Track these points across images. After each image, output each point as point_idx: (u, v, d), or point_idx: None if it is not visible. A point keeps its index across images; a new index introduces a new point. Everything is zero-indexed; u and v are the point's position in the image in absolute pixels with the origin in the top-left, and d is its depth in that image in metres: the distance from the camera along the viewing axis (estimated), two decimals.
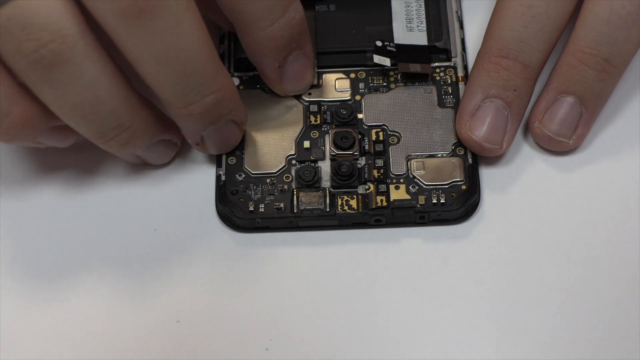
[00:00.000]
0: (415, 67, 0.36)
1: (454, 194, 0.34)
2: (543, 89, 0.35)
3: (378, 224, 0.34)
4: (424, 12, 0.37)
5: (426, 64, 0.36)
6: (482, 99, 0.34)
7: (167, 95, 0.31)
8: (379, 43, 0.36)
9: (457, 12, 0.38)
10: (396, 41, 0.37)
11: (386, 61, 0.36)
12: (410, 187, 0.34)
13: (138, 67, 0.30)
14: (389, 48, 0.36)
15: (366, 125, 0.35)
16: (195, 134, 0.33)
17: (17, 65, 0.30)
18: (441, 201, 0.34)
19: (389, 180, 0.34)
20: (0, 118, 0.31)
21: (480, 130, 0.34)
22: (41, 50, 0.29)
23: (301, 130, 0.35)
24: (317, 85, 0.36)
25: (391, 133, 0.35)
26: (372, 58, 0.36)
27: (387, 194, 0.34)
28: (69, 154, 0.36)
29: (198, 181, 0.35)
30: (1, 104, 0.31)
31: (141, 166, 0.35)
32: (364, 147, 0.35)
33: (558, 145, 0.35)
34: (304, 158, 0.35)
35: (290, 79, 0.35)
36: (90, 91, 0.30)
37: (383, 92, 0.36)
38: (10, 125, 0.31)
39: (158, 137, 0.34)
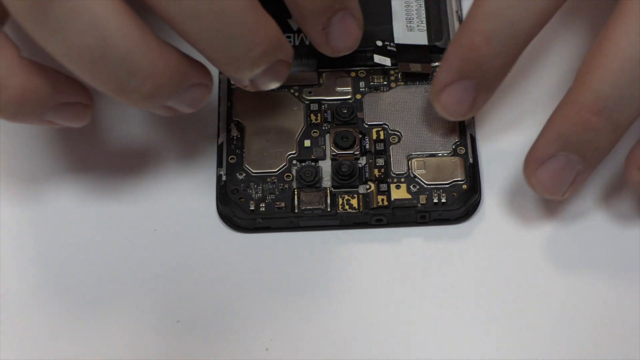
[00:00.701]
0: (415, 67, 0.36)
1: (455, 194, 0.34)
2: None
3: (379, 223, 0.34)
4: (424, 11, 0.37)
5: (426, 63, 0.36)
6: (557, 150, 0.31)
7: (210, 53, 0.30)
8: (379, 43, 0.36)
9: (457, 11, 0.37)
10: (396, 41, 0.36)
11: (386, 61, 0.36)
12: (411, 186, 0.34)
13: (174, 26, 0.29)
14: (389, 48, 0.36)
15: (367, 124, 0.35)
16: (244, 80, 0.31)
17: (14, 11, 0.28)
18: (442, 201, 0.34)
19: (389, 180, 0.34)
20: None
21: (546, 181, 0.32)
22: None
23: (302, 130, 0.35)
24: (318, 84, 0.36)
25: (392, 132, 0.35)
26: (372, 57, 0.36)
27: (388, 193, 0.34)
28: (69, 154, 0.36)
29: (198, 181, 0.35)
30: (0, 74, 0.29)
31: (141, 164, 0.35)
32: (364, 146, 0.35)
33: None
34: (305, 157, 0.35)
35: (336, 40, 0.33)
36: (96, 31, 0.28)
37: (384, 91, 0.36)
38: (10, 100, 0.29)
39: (187, 82, 0.31)
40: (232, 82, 0.32)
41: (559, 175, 0.32)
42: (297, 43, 0.37)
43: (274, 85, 0.32)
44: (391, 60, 0.36)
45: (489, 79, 0.32)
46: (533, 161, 0.32)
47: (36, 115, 0.30)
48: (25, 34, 0.29)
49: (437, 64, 0.36)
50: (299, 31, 0.37)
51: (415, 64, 0.36)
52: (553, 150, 0.31)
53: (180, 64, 0.30)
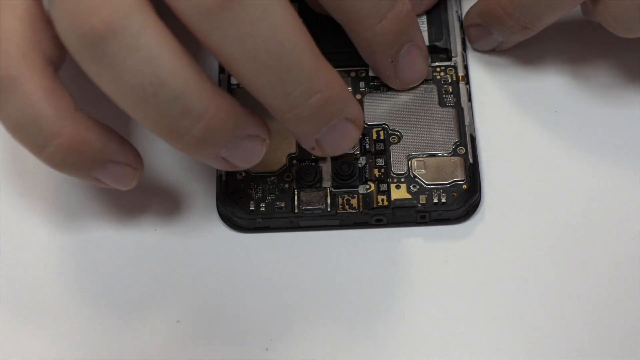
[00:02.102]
0: None
1: (455, 194, 0.34)
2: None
3: (379, 223, 0.34)
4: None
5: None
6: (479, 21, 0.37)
7: (268, 98, 0.29)
8: None
9: (457, 11, 0.37)
10: None
11: None
12: (411, 186, 0.34)
13: (230, 68, 0.28)
14: None
15: (367, 124, 0.35)
16: (308, 138, 0.30)
17: (72, 48, 0.28)
18: (442, 201, 0.34)
19: (389, 180, 0.34)
20: (50, 137, 0.29)
21: (472, 39, 0.37)
22: (91, 19, 0.27)
23: None
24: None
25: (392, 132, 0.35)
26: None
27: (388, 193, 0.34)
28: None
29: (198, 181, 0.35)
30: (53, 121, 0.29)
31: None
32: (364, 146, 0.35)
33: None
34: (305, 157, 0.35)
35: (404, 72, 0.35)
36: (150, 68, 0.27)
37: (383, 91, 0.36)
38: (59, 148, 0.29)
39: (241, 130, 0.29)
40: (300, 143, 0.31)
41: (482, 38, 0.37)
42: None
43: (342, 150, 0.31)
44: None
45: (511, 38, 0.36)
46: (465, 20, 0.37)
47: (83, 169, 0.30)
48: (82, 88, 0.29)
49: (437, 64, 0.36)
50: None
51: None
52: (477, 21, 0.36)
53: (235, 110, 0.29)
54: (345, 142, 0.31)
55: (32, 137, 0.29)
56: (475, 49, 0.37)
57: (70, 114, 0.29)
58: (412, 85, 0.36)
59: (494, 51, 0.37)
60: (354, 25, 0.32)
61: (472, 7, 0.37)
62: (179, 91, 0.28)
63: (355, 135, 0.31)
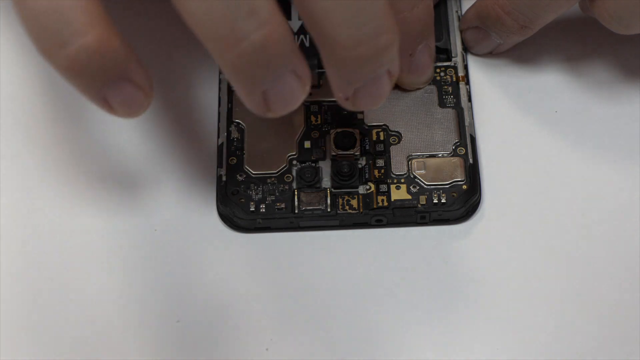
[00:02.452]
0: None
1: (455, 194, 0.34)
2: None
3: (379, 224, 0.34)
4: None
5: None
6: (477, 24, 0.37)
7: (335, 28, 0.27)
8: None
9: (457, 11, 0.38)
10: None
11: None
12: (411, 187, 0.34)
13: (315, 10, 0.26)
14: None
15: (367, 125, 0.35)
16: (350, 86, 0.29)
17: None
18: (442, 201, 0.34)
19: (389, 180, 0.34)
20: (76, 34, 0.26)
21: (469, 42, 0.37)
22: None
23: (302, 131, 0.35)
24: (318, 86, 0.36)
25: (392, 133, 0.35)
26: None
27: (388, 194, 0.34)
28: (69, 154, 0.36)
29: (198, 181, 0.35)
30: (83, 17, 0.26)
31: (141, 164, 0.35)
32: (364, 147, 0.35)
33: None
34: (305, 158, 0.35)
35: (416, 71, 0.35)
36: None
37: None
38: (85, 47, 0.26)
39: (292, 61, 0.27)
40: (335, 96, 0.29)
41: (480, 41, 0.37)
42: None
43: (372, 105, 0.30)
44: None
45: (509, 39, 0.36)
46: (461, 23, 0.37)
47: (98, 82, 0.27)
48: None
49: (437, 64, 0.36)
50: (299, 33, 0.37)
51: None
52: (475, 23, 0.36)
53: (291, 35, 0.27)
54: (381, 95, 0.29)
55: (55, 31, 0.26)
56: (473, 53, 0.37)
57: (101, 14, 0.27)
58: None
59: (492, 54, 0.37)
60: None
61: (468, 11, 0.37)
62: None
63: (389, 90, 0.29)
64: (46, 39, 0.26)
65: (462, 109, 0.35)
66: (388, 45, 0.27)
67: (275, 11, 0.26)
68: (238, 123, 0.35)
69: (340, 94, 0.29)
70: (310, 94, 0.36)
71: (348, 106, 0.29)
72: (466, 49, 0.37)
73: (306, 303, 0.33)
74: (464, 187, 0.34)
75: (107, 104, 0.28)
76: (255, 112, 0.28)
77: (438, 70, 0.36)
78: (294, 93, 0.28)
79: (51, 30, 0.26)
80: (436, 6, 0.37)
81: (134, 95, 0.28)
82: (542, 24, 0.35)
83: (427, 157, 0.35)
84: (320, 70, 0.36)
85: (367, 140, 0.35)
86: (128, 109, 0.28)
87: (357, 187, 0.34)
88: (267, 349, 0.32)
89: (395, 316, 0.33)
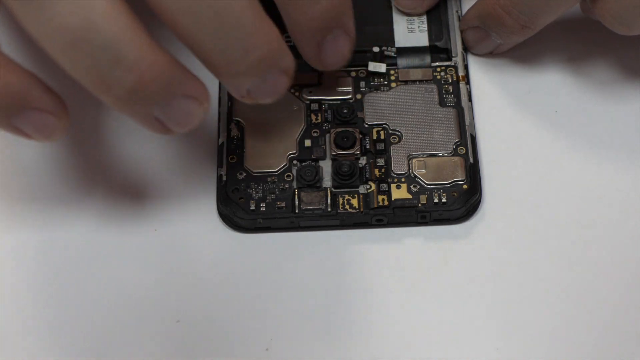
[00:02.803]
0: (415, 74, 0.36)
1: (456, 194, 0.34)
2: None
3: (379, 223, 0.34)
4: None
5: (427, 68, 0.36)
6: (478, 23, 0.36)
7: (207, 54, 0.28)
8: (375, 49, 0.36)
9: (457, 11, 0.37)
10: (397, 44, 0.37)
11: (381, 67, 0.36)
12: (411, 186, 0.34)
13: (172, 22, 0.28)
14: (386, 53, 0.36)
15: (367, 124, 0.35)
16: (240, 89, 0.30)
17: None
18: (442, 201, 0.34)
19: (390, 180, 0.34)
20: None
21: (470, 43, 0.37)
22: None
23: (302, 129, 0.35)
24: (318, 84, 0.36)
25: (392, 132, 0.35)
26: (372, 58, 0.36)
27: (388, 193, 0.34)
28: (69, 154, 0.36)
29: (198, 181, 0.35)
30: None
31: (141, 164, 0.35)
32: (365, 146, 0.35)
33: None
34: (305, 157, 0.35)
35: (328, 57, 0.33)
36: (83, 10, 0.26)
37: (384, 91, 0.36)
38: None
39: (176, 88, 0.29)
40: (229, 92, 0.31)
41: (480, 41, 0.37)
42: None
43: (272, 99, 0.31)
44: (388, 63, 0.36)
45: (510, 40, 0.36)
46: (462, 23, 0.37)
47: (4, 116, 0.29)
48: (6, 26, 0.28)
49: (437, 64, 0.36)
50: None
51: (416, 70, 0.36)
52: (475, 23, 0.36)
53: (171, 66, 0.28)
54: (277, 91, 0.31)
55: None
56: (473, 53, 0.37)
57: None
58: (331, 69, 0.34)
59: (492, 54, 0.37)
60: (287, 6, 0.31)
61: (468, 11, 0.37)
62: (112, 37, 0.27)
63: (286, 85, 0.31)
64: None
65: (462, 108, 0.35)
66: (261, 59, 0.29)
67: (145, 48, 0.27)
68: (238, 122, 0.35)
69: (233, 94, 0.31)
70: (310, 92, 0.36)
71: (247, 102, 0.31)
72: (466, 49, 0.37)
73: (306, 303, 0.33)
74: (465, 186, 0.34)
75: (22, 132, 0.29)
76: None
77: (438, 69, 0.36)
78: (189, 114, 0.29)
79: None
80: (436, 6, 0.37)
81: (44, 120, 0.29)
82: (543, 24, 0.35)
83: (427, 156, 0.35)
84: (320, 70, 0.36)
85: (367, 140, 0.35)
86: (43, 135, 0.29)
87: (357, 187, 0.34)
88: (267, 349, 0.32)
89: (396, 316, 0.33)
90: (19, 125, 0.29)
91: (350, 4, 0.32)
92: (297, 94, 0.36)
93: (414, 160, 0.34)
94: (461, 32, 0.37)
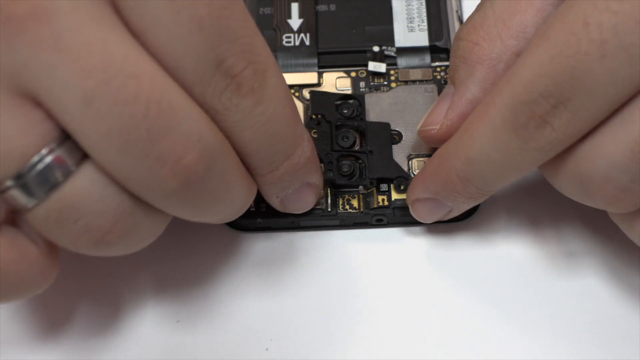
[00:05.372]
0: (415, 74, 0.36)
1: None
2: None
3: (379, 223, 0.34)
4: (425, 11, 0.37)
5: (427, 68, 0.36)
6: (429, 195, 0.32)
7: (258, 161, 0.29)
8: (376, 48, 0.36)
9: (457, 11, 0.37)
10: (397, 44, 0.36)
11: (381, 67, 0.36)
12: None
13: (236, 136, 0.28)
14: (386, 52, 0.36)
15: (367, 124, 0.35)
16: (273, 198, 0.32)
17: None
18: None
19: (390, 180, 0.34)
20: None
21: (421, 214, 0.33)
22: (106, 237, 0.27)
23: None
24: (318, 84, 0.36)
25: (392, 132, 0.35)
26: (372, 57, 0.36)
27: (388, 193, 0.34)
28: None
29: None
30: None
31: None
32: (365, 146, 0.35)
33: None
34: None
35: (291, 205, 0.33)
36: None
37: (384, 91, 0.36)
38: None
39: (309, 176, 0.31)
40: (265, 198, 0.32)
41: (431, 212, 0.33)
42: (297, 43, 0.37)
43: (301, 209, 0.33)
44: (387, 63, 0.36)
45: (463, 207, 0.32)
46: (410, 195, 0.33)
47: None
48: None
49: (437, 64, 0.36)
50: (299, 31, 0.37)
51: (415, 70, 0.36)
52: (427, 195, 0.32)
53: (315, 155, 0.31)
54: (305, 203, 0.33)
55: None
56: (423, 222, 0.34)
57: None
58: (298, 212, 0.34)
59: (440, 221, 0.34)
60: (249, 169, 0.30)
61: (414, 182, 0.33)
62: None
63: (314, 199, 0.33)
64: None
65: None
66: (298, 166, 0.30)
67: (303, 138, 0.30)
68: None
69: (269, 202, 0.32)
70: (310, 92, 0.36)
71: (280, 210, 0.33)
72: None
73: (306, 303, 0.33)
74: None
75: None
76: None
77: (438, 69, 0.36)
78: (306, 202, 0.33)
79: None
80: (436, 6, 0.37)
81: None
82: (500, 187, 0.31)
83: (427, 156, 0.35)
84: (320, 70, 0.36)
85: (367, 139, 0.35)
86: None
87: (357, 187, 0.34)
88: (267, 349, 0.32)
89: (395, 316, 0.33)
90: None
91: (316, 161, 0.32)
92: (297, 94, 0.36)
93: (413, 160, 0.34)
94: (408, 204, 0.33)
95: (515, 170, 0.29)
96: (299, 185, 0.31)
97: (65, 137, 0.26)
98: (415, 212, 0.33)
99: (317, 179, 0.32)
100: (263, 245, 0.34)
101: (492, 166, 0.29)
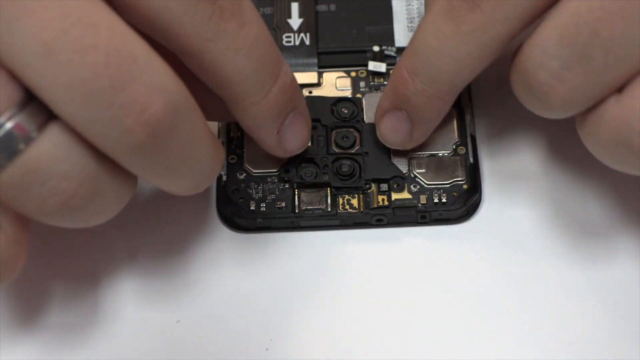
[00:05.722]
0: None
1: (456, 194, 0.34)
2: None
3: (379, 223, 0.34)
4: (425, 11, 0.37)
5: None
6: (391, 105, 0.33)
7: (250, 87, 0.30)
8: (376, 48, 0.36)
9: None
10: (397, 44, 0.36)
11: (381, 67, 0.36)
12: (411, 186, 0.34)
13: (228, 64, 0.29)
14: (386, 52, 0.36)
15: (367, 123, 0.35)
16: (272, 133, 0.32)
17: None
18: (442, 200, 0.34)
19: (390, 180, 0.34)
20: None
21: (384, 132, 0.34)
22: (71, 200, 0.27)
23: None
24: (318, 84, 0.36)
25: None
26: (372, 57, 0.36)
27: (388, 193, 0.34)
28: None
29: None
30: None
31: None
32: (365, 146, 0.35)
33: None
34: (305, 157, 0.35)
35: (289, 141, 0.33)
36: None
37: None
38: None
39: (297, 102, 0.32)
40: (262, 142, 0.33)
41: (394, 128, 0.33)
42: (297, 43, 0.37)
43: (299, 146, 0.33)
44: (387, 63, 0.36)
45: (420, 115, 0.32)
46: (378, 113, 0.33)
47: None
48: None
49: None
50: (299, 31, 0.37)
51: None
52: (388, 105, 0.33)
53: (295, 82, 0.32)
54: (303, 137, 0.33)
55: None
56: (390, 147, 0.34)
57: None
58: (294, 154, 0.34)
59: (406, 147, 0.34)
60: (238, 103, 0.31)
61: (381, 96, 0.33)
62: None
63: (308, 131, 0.33)
64: None
65: (462, 108, 0.35)
66: (286, 88, 0.31)
67: (282, 59, 0.31)
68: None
69: (268, 145, 0.33)
70: (310, 92, 0.36)
71: (279, 154, 0.33)
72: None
73: (306, 303, 0.33)
74: (465, 186, 0.34)
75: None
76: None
77: None
78: (302, 132, 0.33)
79: None
80: None
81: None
82: (446, 87, 0.32)
83: (427, 156, 0.35)
84: (320, 70, 0.36)
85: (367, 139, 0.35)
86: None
87: (357, 186, 0.34)
88: (267, 349, 0.32)
89: (395, 316, 0.33)
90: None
91: (298, 85, 0.32)
92: None
93: (414, 160, 0.34)
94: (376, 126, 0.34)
95: (452, 59, 0.30)
96: (292, 115, 0.32)
97: (29, 100, 0.26)
98: (380, 131, 0.34)
99: (304, 105, 0.33)
100: (263, 245, 0.34)
101: (431, 53, 0.30)
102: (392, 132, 0.33)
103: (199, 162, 0.29)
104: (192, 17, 0.28)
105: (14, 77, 0.26)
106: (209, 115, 0.30)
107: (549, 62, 0.28)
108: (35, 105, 0.26)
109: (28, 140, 0.26)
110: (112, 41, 0.25)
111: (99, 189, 0.27)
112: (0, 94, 0.25)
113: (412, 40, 0.31)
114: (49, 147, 0.26)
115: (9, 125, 0.26)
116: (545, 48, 0.28)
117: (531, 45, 0.29)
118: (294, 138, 0.33)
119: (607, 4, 0.27)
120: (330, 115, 0.35)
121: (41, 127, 0.26)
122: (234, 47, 0.29)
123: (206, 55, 0.29)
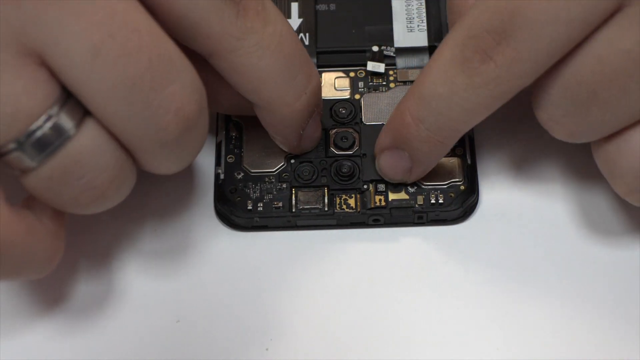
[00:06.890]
0: (414, 74, 0.36)
1: (453, 194, 0.34)
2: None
3: (376, 223, 0.34)
4: (424, 11, 0.37)
5: None
6: (391, 143, 0.33)
7: (279, 89, 0.31)
8: (375, 48, 0.36)
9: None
10: (396, 44, 0.37)
11: (380, 67, 0.36)
12: (408, 187, 0.34)
13: (259, 64, 0.30)
14: (385, 52, 0.36)
15: (366, 124, 0.35)
16: (299, 132, 0.33)
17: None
18: (439, 201, 0.34)
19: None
20: None
21: (384, 168, 0.34)
22: (106, 192, 0.28)
23: None
24: None
25: None
26: (371, 57, 0.36)
27: (385, 193, 0.34)
28: None
29: (197, 180, 0.35)
30: None
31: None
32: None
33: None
34: (303, 157, 0.35)
35: (308, 139, 0.34)
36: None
37: (383, 91, 0.36)
38: None
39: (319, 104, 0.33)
40: (283, 144, 0.34)
41: (394, 165, 0.33)
42: None
43: (315, 141, 0.34)
44: (386, 63, 0.36)
45: (421, 157, 0.33)
46: (377, 148, 0.34)
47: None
48: None
49: None
50: (299, 31, 0.37)
51: (414, 70, 0.36)
52: (388, 143, 0.33)
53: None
54: (318, 135, 0.34)
55: None
56: (389, 182, 0.34)
57: None
58: (307, 151, 0.34)
59: (405, 183, 0.34)
60: (271, 104, 0.31)
61: (381, 132, 0.33)
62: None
63: (321, 130, 0.34)
64: None
65: None
66: (317, 90, 0.32)
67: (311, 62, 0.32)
68: (236, 121, 0.35)
69: (290, 145, 0.34)
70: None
71: (295, 152, 0.34)
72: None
73: (305, 302, 0.33)
74: (462, 187, 0.34)
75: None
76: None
77: None
78: (318, 130, 0.34)
79: None
80: (436, 7, 0.37)
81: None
82: (451, 135, 0.32)
83: None
84: (319, 70, 0.36)
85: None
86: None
87: (357, 188, 0.34)
88: (267, 349, 0.32)
89: (394, 316, 0.33)
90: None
91: (320, 83, 0.33)
92: None
93: None
94: (375, 158, 0.34)
95: (462, 109, 0.30)
96: (316, 112, 0.33)
97: (67, 97, 0.27)
98: (379, 165, 0.34)
99: (321, 107, 0.34)
100: (260, 244, 0.34)
101: (440, 102, 0.30)
102: (391, 169, 0.33)
103: (201, 145, 0.30)
104: (220, 16, 0.29)
105: (54, 75, 0.26)
106: (217, 107, 0.32)
107: (553, 110, 0.30)
108: (74, 102, 0.27)
109: (68, 136, 0.27)
110: (154, 45, 0.27)
111: (126, 178, 0.29)
112: (43, 91, 0.26)
113: (418, 84, 0.31)
114: (88, 142, 0.27)
115: (53, 121, 0.27)
116: (550, 96, 0.30)
117: (538, 88, 0.30)
118: (313, 137, 0.34)
119: (606, 69, 0.28)
120: (328, 118, 0.35)
121: (81, 121, 0.27)
122: (263, 44, 0.29)
123: (236, 55, 0.29)
